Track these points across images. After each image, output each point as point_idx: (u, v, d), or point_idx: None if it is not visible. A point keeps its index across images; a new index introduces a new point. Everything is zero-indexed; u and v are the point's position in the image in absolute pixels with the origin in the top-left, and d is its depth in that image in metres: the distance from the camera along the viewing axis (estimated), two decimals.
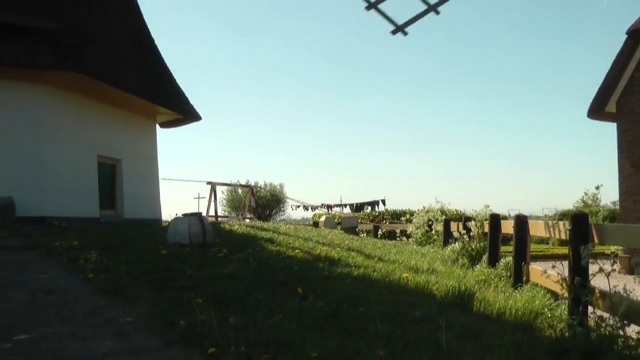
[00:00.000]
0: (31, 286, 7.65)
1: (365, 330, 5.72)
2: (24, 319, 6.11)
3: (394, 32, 10.05)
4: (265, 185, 59.29)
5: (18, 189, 14.45)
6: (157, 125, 22.04)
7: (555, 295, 8.05)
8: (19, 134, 14.80)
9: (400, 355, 4.98)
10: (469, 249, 13.46)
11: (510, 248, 10.03)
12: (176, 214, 12.21)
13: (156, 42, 20.71)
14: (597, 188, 19.66)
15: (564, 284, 6.75)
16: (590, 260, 6.33)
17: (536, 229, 9.81)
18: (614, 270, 5.77)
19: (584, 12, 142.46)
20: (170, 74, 20.63)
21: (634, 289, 5.54)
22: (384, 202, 41.97)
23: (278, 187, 61.17)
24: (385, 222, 34.89)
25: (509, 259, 10.18)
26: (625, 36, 21.28)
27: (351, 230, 28.60)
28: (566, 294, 6.73)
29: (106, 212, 17.49)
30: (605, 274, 5.81)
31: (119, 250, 10.12)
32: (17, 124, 14.82)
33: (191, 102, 21.22)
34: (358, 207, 41.63)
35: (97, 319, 6.21)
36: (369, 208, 41.67)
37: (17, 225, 13.45)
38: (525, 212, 21.14)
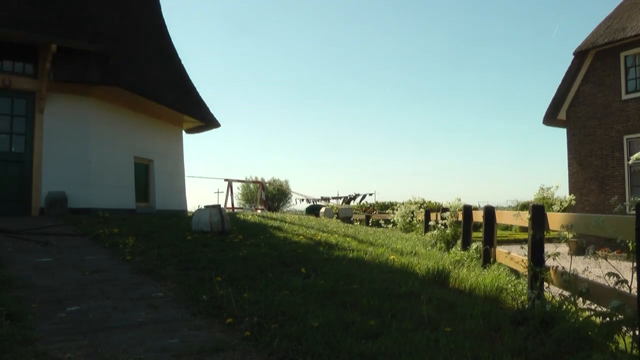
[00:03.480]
0: (81, 266, 7.68)
1: (358, 303, 5.73)
2: (75, 293, 6.15)
3: None
4: (274, 181, 59.24)
5: (70, 184, 14.50)
6: (184, 131, 22.06)
7: (517, 274, 8.06)
8: (70, 138, 14.84)
9: (389, 324, 4.99)
10: (446, 235, 13.43)
11: (480, 234, 10.01)
12: (199, 206, 12.19)
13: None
14: (557, 187, 19.78)
15: (525, 264, 6.77)
16: (546, 244, 6.35)
17: (502, 218, 9.82)
18: (567, 252, 5.79)
19: (541, 35, 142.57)
20: (194, 87, 20.61)
21: (575, 269, 5.56)
22: (367, 195, 41.94)
23: (284, 182, 61.09)
24: (375, 212, 34.84)
25: (479, 243, 10.17)
26: (572, 56, 21.45)
27: (347, 219, 28.49)
28: (527, 273, 6.74)
29: (141, 204, 17.49)
30: (553, 256, 5.84)
31: (151, 237, 10.12)
32: (69, 130, 14.86)
33: (211, 111, 21.25)
34: (351, 200, 41.49)
35: (134, 294, 6.23)
36: (361, 200, 41.58)
37: (69, 215, 13.49)
38: (492, 204, 21.10)
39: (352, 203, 40.51)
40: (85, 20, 15.40)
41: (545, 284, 6.21)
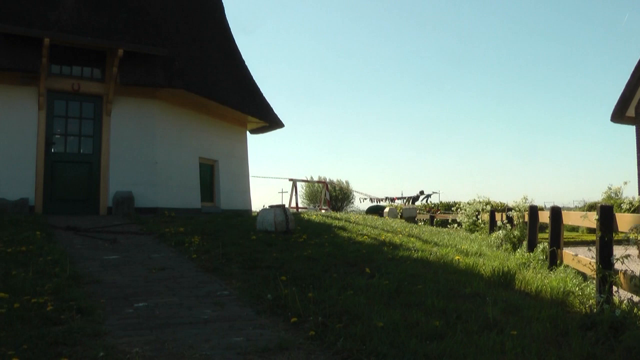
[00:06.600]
0: (147, 264, 7.89)
1: (423, 304, 5.72)
2: (142, 290, 6.32)
3: None
4: (337, 181, 59.36)
5: (136, 184, 14.89)
6: (248, 132, 22.29)
7: (584, 276, 7.89)
8: (137, 140, 15.24)
9: (454, 325, 4.97)
10: (511, 236, 13.20)
11: (546, 235, 9.83)
12: (264, 206, 12.34)
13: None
14: (626, 183, 19.20)
15: (593, 267, 6.62)
16: (614, 246, 6.20)
17: (568, 219, 9.63)
18: (637, 255, 5.64)
19: (609, 26, 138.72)
20: (257, 87, 20.77)
21: None
22: (431, 195, 41.60)
23: (345, 182, 61.12)
24: (440, 212, 34.53)
25: (545, 244, 9.99)
26: None
27: (411, 219, 28.30)
28: (594, 276, 6.59)
29: (206, 204, 17.77)
30: (622, 259, 5.71)
31: (216, 236, 10.29)
32: (136, 132, 15.26)
33: (275, 111, 21.38)
34: (416, 199, 41.17)
35: (200, 291, 6.35)
36: (426, 200, 41.25)
37: (136, 214, 13.85)
38: (558, 204, 20.65)
39: (416, 203, 40.20)
40: (150, 24, 15.76)
41: (615, 288, 6.06)
